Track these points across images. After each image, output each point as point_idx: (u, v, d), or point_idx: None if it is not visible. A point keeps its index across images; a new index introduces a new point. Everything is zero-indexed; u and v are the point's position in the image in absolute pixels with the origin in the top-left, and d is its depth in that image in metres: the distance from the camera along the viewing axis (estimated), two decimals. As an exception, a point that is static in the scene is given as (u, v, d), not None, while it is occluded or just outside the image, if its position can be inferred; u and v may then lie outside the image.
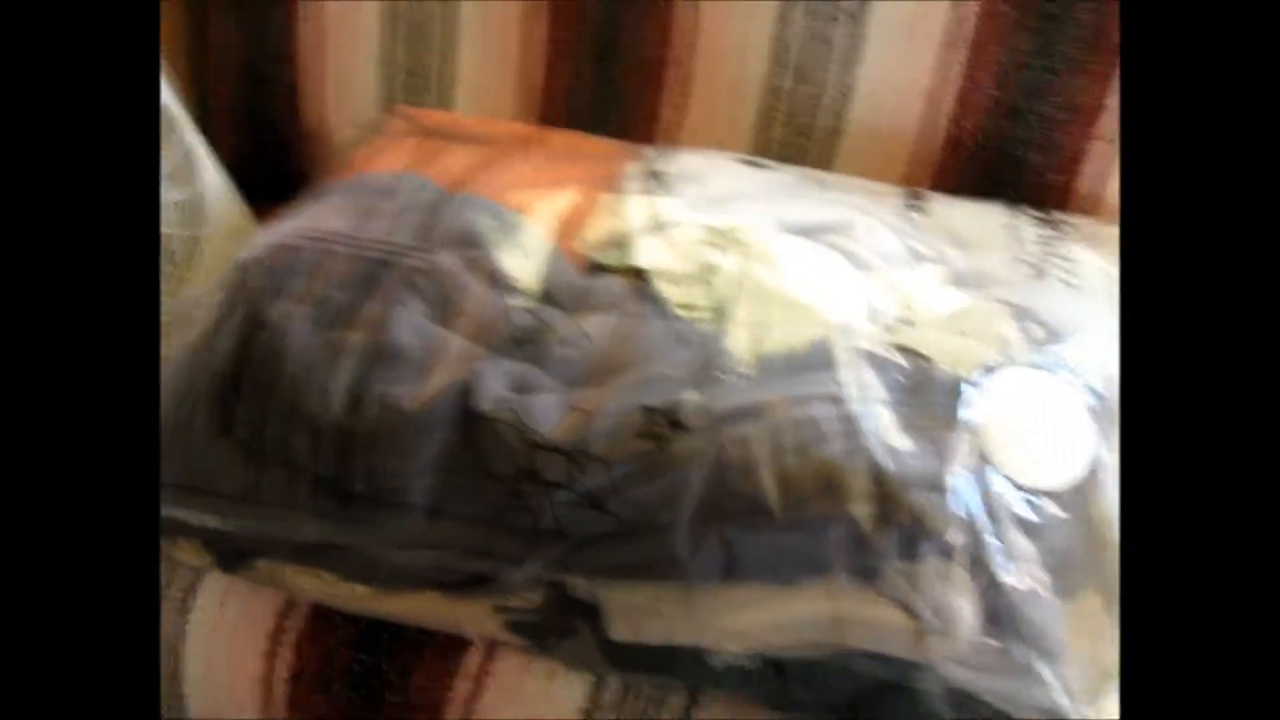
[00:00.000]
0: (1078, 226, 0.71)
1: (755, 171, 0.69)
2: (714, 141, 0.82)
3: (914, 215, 0.67)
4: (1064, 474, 0.54)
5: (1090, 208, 0.77)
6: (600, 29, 0.81)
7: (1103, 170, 0.75)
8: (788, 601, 0.55)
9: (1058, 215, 0.72)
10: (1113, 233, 0.73)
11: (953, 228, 0.66)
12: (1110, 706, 0.55)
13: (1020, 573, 0.53)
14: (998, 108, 0.75)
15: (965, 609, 0.53)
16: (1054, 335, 0.59)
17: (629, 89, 0.82)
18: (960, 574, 0.52)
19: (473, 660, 0.59)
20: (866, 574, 0.54)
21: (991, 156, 0.77)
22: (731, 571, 0.54)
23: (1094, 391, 0.57)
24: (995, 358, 0.56)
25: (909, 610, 0.54)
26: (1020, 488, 0.54)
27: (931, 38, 0.74)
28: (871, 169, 0.79)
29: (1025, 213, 0.71)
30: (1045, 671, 0.54)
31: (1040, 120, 0.75)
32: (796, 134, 0.81)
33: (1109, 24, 0.70)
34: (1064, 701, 0.54)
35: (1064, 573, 0.56)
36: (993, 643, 0.54)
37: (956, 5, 0.73)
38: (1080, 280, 0.63)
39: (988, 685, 0.55)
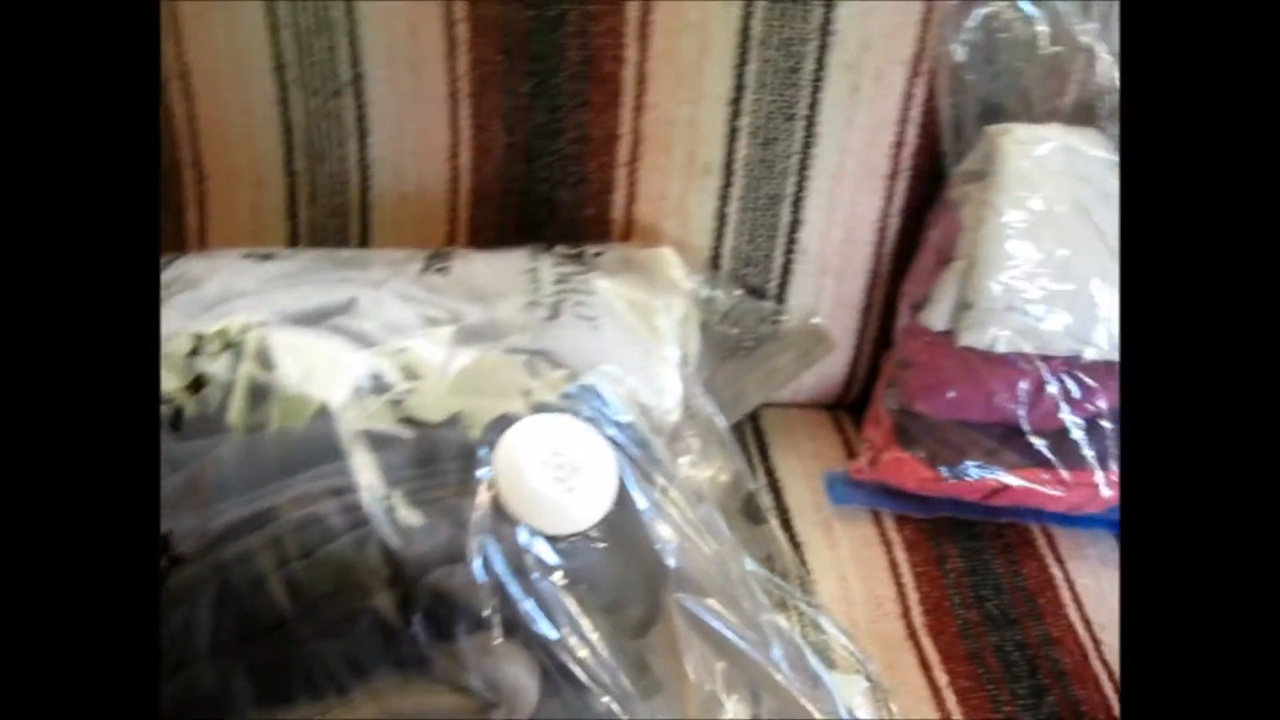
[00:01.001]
0: (607, 255, 0.71)
1: (258, 264, 0.65)
2: (246, 237, 0.78)
3: (434, 277, 0.65)
4: (590, 511, 0.53)
5: (624, 234, 0.77)
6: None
7: (629, 194, 0.76)
8: (346, 714, 0.51)
9: (591, 248, 0.72)
10: (646, 253, 0.73)
11: (473, 283, 0.65)
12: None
13: (563, 622, 0.51)
14: (513, 153, 0.74)
15: (518, 674, 0.51)
16: (571, 374, 0.57)
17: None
18: (501, 641, 0.50)
19: None
20: (411, 665, 0.51)
21: (520, 202, 0.76)
22: (271, 698, 0.50)
23: (615, 422, 0.57)
24: (508, 410, 0.55)
25: (464, 691, 0.51)
26: (547, 536, 0.52)
27: (435, 96, 0.73)
28: (410, 235, 0.78)
29: (552, 253, 0.70)
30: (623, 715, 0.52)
31: (558, 158, 0.74)
32: (329, 215, 0.78)
33: (598, 57, 0.71)
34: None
35: (620, 605, 0.54)
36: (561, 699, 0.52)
37: (451, 62, 0.72)
38: (596, 311, 0.62)
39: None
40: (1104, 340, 0.71)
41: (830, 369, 0.84)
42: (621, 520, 0.54)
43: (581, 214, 0.77)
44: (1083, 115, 0.74)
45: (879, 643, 0.70)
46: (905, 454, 0.75)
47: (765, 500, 0.77)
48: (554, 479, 0.53)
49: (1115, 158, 0.71)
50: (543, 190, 0.76)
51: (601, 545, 0.53)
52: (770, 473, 0.80)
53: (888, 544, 0.76)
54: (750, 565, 0.59)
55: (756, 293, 0.80)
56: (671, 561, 0.54)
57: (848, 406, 0.87)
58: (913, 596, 0.73)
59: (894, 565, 0.74)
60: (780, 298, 0.80)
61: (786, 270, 0.79)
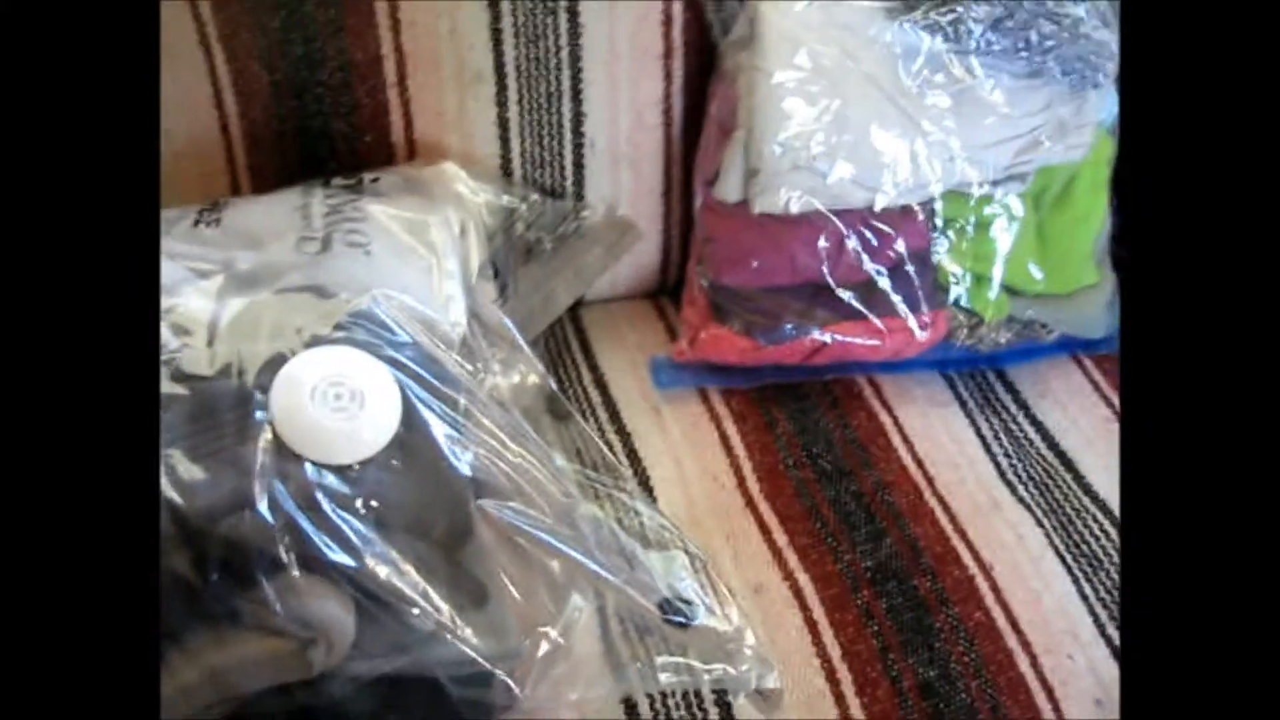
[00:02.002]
0: (385, 179, 0.70)
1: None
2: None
3: (206, 230, 0.64)
4: (375, 435, 0.53)
5: (408, 155, 0.76)
6: None
7: (405, 115, 0.74)
8: (166, 679, 0.51)
9: (369, 174, 0.71)
10: (428, 171, 0.72)
11: (246, 229, 0.64)
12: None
13: (363, 549, 0.51)
14: (278, 91, 0.72)
15: (328, 608, 0.51)
16: (343, 303, 0.57)
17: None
18: (303, 578, 0.50)
19: None
20: (221, 619, 0.51)
21: (296, 140, 0.74)
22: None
23: (396, 343, 0.56)
24: (282, 349, 0.54)
25: (279, 634, 0.51)
26: (334, 467, 0.52)
27: (186, 46, 0.71)
28: (196, 192, 0.75)
29: (327, 186, 0.69)
30: (450, 627, 0.53)
31: (326, 89, 0.73)
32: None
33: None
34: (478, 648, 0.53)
35: (424, 522, 0.55)
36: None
37: (194, 8, 0.69)
38: (369, 236, 0.61)
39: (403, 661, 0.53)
40: (890, 186, 0.72)
41: (643, 257, 0.84)
42: (412, 440, 0.54)
43: (361, 142, 0.75)
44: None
45: (718, 515, 0.71)
46: (722, 329, 0.76)
47: (594, 396, 0.78)
48: (333, 409, 0.52)
49: (878, 3, 0.71)
50: (317, 124, 0.74)
51: (394, 467, 0.53)
52: (595, 369, 0.80)
53: (717, 419, 0.77)
54: (560, 462, 0.59)
55: (553, 193, 0.79)
56: (470, 472, 0.54)
57: (670, 292, 0.88)
58: (746, 466, 0.74)
59: (725, 439, 0.75)
60: (578, 194, 0.80)
61: (579, 166, 0.79)
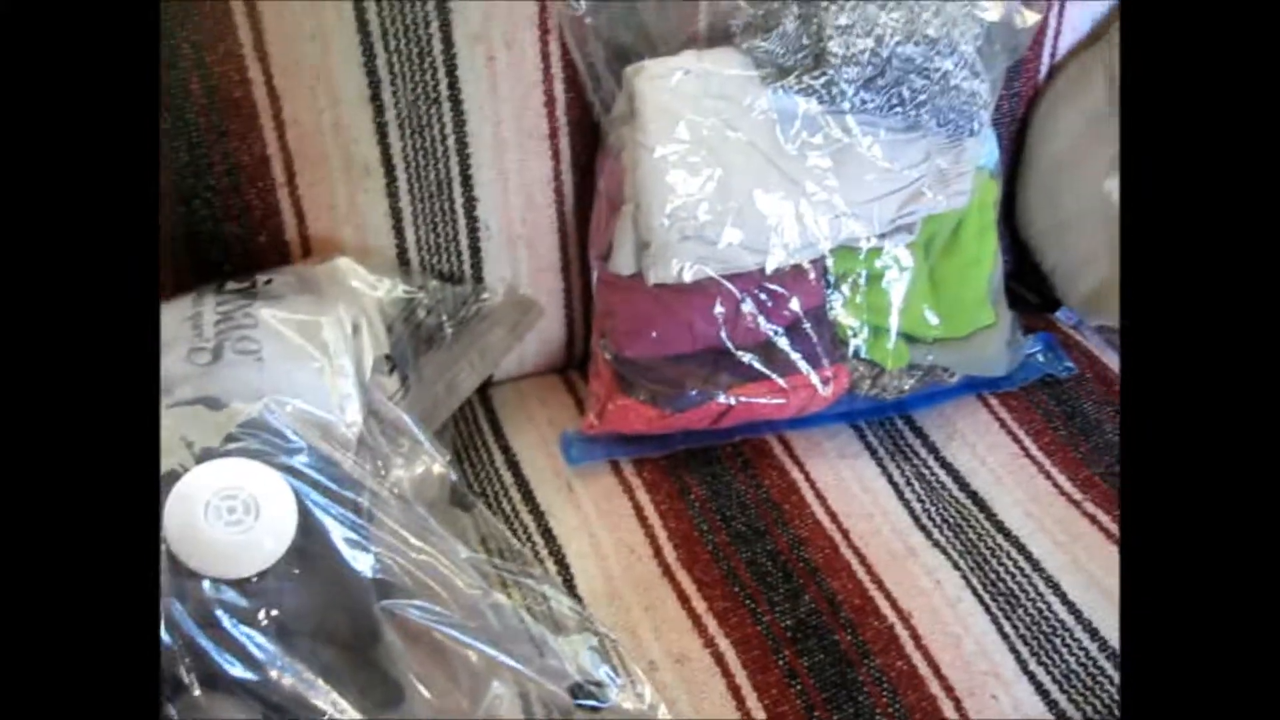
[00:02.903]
0: (278, 280, 0.70)
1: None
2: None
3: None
4: (272, 546, 0.52)
5: (304, 252, 0.76)
6: None
7: (296, 213, 0.75)
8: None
9: (263, 276, 0.71)
10: (322, 268, 0.73)
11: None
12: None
13: (266, 661, 0.50)
14: (166, 199, 0.72)
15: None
16: (235, 414, 0.57)
17: None
18: (204, 696, 0.49)
19: None
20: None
21: (189, 245, 0.74)
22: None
23: (290, 449, 0.56)
24: (174, 465, 0.54)
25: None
26: (230, 582, 0.51)
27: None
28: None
29: (220, 292, 0.69)
30: None
31: (214, 193, 0.73)
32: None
33: (223, 84, 0.69)
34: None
35: (328, 628, 0.54)
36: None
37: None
38: (259, 342, 0.62)
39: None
40: (780, 248, 0.73)
41: (547, 333, 0.85)
42: (310, 546, 0.54)
43: (254, 243, 0.75)
44: (718, 37, 0.76)
45: (637, 588, 0.71)
46: (628, 400, 0.77)
47: (506, 477, 0.78)
48: (228, 523, 0.52)
49: (751, 72, 0.73)
50: (208, 229, 0.74)
51: (294, 575, 0.53)
52: (506, 449, 0.80)
53: (630, 490, 0.77)
54: (465, 554, 0.59)
55: (451, 278, 0.80)
56: (372, 573, 0.54)
57: (578, 365, 0.88)
58: (661, 535, 0.74)
59: (639, 509, 0.76)
60: (477, 277, 0.80)
61: (475, 249, 0.80)
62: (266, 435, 0.56)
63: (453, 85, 0.74)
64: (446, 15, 0.72)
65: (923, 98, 0.73)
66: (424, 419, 0.69)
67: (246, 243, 0.75)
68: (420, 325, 0.76)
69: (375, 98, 0.73)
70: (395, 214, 0.77)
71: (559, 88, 0.76)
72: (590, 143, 0.79)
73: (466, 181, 0.77)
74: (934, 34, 0.72)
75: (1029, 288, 0.99)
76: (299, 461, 0.56)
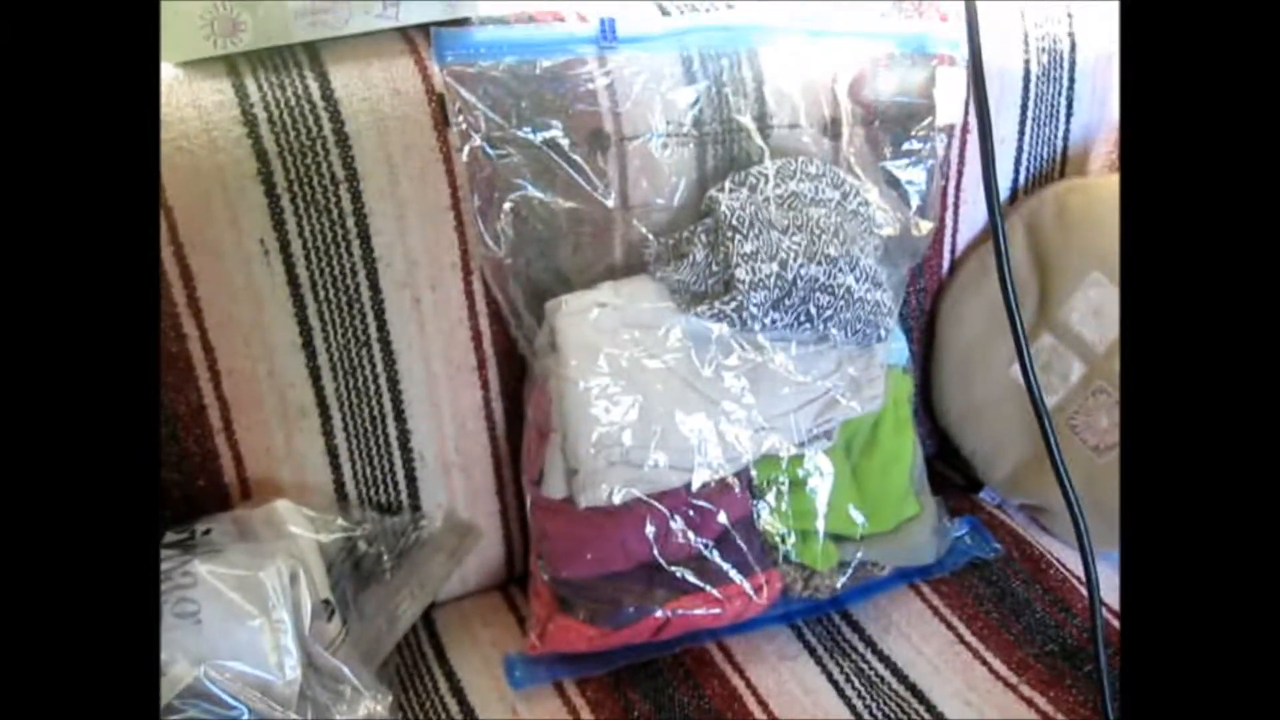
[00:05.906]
0: (217, 529, 0.72)
1: None
2: None
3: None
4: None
5: (244, 494, 0.78)
6: None
7: (235, 457, 0.77)
8: None
9: (202, 525, 0.73)
10: (260, 512, 0.74)
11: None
12: None
13: None
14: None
15: None
16: (173, 682, 0.58)
17: None
18: None
19: None
20: None
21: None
22: None
23: (229, 717, 0.57)
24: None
25: None
26: None
27: None
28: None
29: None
30: None
31: (176, 443, 0.75)
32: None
33: (160, 339, 0.72)
34: None
35: None
36: None
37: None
38: (198, 603, 0.63)
39: None
40: (703, 465, 0.76)
41: (487, 552, 0.87)
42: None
43: (194, 488, 0.77)
44: (634, 265, 0.80)
45: (583, 814, 0.72)
46: (568, 619, 0.78)
47: (451, 706, 0.79)
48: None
49: (666, 302, 0.77)
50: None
51: None
52: (450, 675, 0.81)
53: (574, 711, 0.78)
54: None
55: (389, 508, 0.82)
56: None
57: (519, 580, 0.90)
58: (606, 756, 0.75)
59: (583, 731, 0.77)
60: (415, 505, 0.83)
61: (411, 479, 0.82)
62: (206, 705, 0.57)
63: (381, 328, 0.77)
64: (373, 264, 0.75)
65: (829, 313, 0.78)
66: (366, 655, 0.71)
67: (185, 488, 0.77)
68: (360, 560, 0.78)
69: (308, 344, 0.76)
70: (332, 451, 0.79)
71: (484, 322, 0.80)
72: (518, 371, 0.82)
73: (400, 415, 0.80)
74: (834, 253, 0.77)
75: (953, 468, 1.02)
76: (239, 728, 0.57)
